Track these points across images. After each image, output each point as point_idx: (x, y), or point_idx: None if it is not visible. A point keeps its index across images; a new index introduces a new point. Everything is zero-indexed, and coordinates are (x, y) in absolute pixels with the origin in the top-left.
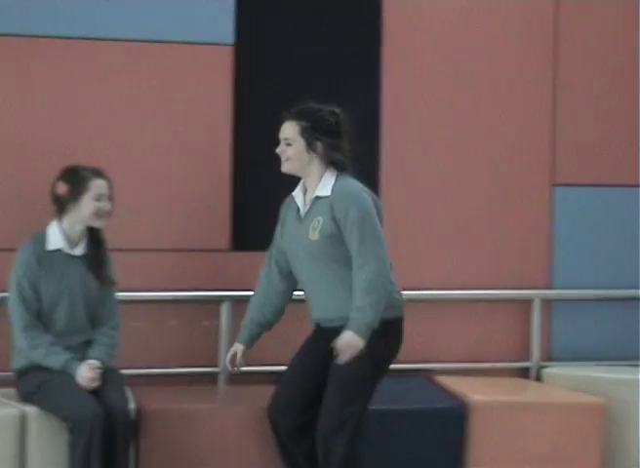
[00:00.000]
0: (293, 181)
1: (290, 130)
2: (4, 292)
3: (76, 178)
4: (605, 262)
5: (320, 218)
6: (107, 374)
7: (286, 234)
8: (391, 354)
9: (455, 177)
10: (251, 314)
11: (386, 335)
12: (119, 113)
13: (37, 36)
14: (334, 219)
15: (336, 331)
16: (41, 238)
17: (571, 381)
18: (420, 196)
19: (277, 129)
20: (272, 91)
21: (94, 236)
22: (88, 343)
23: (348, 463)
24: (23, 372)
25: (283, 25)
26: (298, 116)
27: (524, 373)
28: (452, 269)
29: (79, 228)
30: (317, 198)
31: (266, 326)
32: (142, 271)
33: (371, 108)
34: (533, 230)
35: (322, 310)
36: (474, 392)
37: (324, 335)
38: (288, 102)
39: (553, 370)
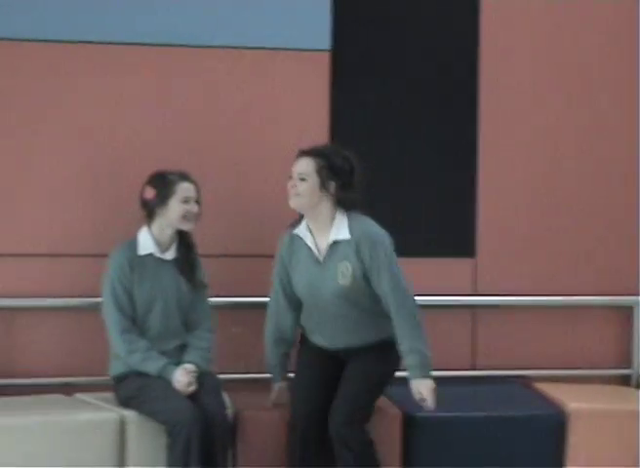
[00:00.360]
0: (385, 186)
1: (306, 166)
2: (98, 297)
3: (163, 182)
4: None
5: (348, 264)
6: (203, 378)
7: (297, 275)
8: (393, 369)
9: (553, 183)
10: (274, 350)
11: (385, 355)
12: (215, 119)
13: (145, 44)
14: (361, 261)
15: (350, 350)
16: (132, 243)
17: None
18: (517, 202)
19: (373, 133)
20: (368, 95)
21: (183, 240)
22: (183, 347)
23: (371, 445)
24: (122, 378)
25: (378, 30)
26: (315, 154)
27: (624, 381)
28: (552, 275)
29: (169, 232)
30: (335, 242)
31: (289, 352)
32: (237, 276)
33: (468, 110)
34: (633, 237)
35: (345, 340)
36: (573, 399)
37: (336, 353)
38: (383, 107)
39: None
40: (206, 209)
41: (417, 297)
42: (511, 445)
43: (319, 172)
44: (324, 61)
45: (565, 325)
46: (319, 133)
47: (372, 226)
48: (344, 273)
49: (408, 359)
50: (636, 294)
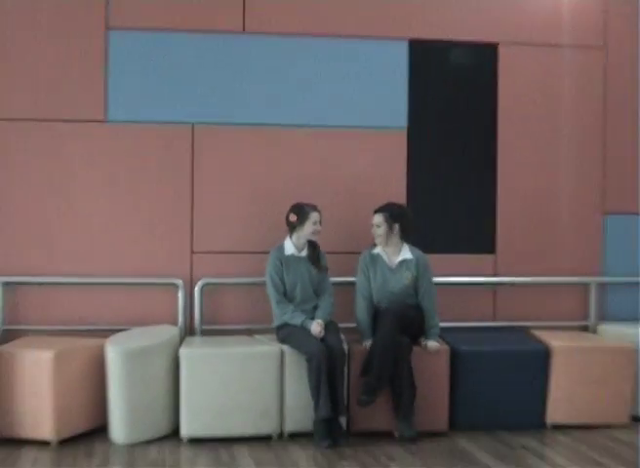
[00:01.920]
0: (441, 216)
1: (378, 218)
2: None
3: (302, 211)
4: None
5: (409, 272)
6: (328, 325)
7: (378, 278)
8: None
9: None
10: (368, 320)
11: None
12: (330, 178)
13: (300, 126)
14: (417, 272)
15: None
16: (280, 247)
17: (617, 334)
18: (521, 216)
19: (433, 184)
20: (439, 166)
21: (311, 243)
22: (315, 307)
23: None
24: (279, 328)
25: (446, 109)
26: (382, 210)
27: (585, 329)
28: (541, 261)
29: (302, 241)
30: (403, 260)
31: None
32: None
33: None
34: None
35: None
36: (555, 339)
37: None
38: (448, 175)
39: (605, 327)
40: (326, 224)
41: (460, 279)
42: (515, 368)
43: (387, 221)
44: (402, 138)
45: (552, 294)
46: (399, 185)
47: (420, 252)
48: (407, 277)
49: (433, 329)
50: (591, 276)
